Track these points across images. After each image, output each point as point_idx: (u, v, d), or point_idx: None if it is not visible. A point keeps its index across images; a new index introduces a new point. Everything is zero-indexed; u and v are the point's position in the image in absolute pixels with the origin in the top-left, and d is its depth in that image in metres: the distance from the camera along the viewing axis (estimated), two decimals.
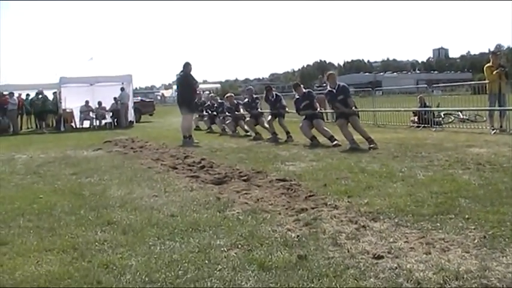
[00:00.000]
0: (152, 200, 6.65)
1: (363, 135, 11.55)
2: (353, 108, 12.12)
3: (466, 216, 4.99)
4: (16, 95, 26.47)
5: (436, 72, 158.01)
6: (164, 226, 5.19)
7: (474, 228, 4.61)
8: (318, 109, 13.38)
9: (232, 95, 19.76)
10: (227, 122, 18.29)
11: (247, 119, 16.63)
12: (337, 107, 12.21)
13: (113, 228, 5.24)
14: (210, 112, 20.67)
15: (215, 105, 20.29)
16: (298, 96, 13.62)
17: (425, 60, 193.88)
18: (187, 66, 15.47)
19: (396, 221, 4.99)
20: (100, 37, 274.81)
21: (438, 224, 4.79)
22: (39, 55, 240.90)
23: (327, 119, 15.20)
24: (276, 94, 15.56)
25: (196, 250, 4.39)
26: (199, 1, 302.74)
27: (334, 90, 12.19)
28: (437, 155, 9.47)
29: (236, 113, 17.74)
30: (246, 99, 17.19)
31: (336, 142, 11.89)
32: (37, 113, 26.80)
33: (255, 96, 17.10)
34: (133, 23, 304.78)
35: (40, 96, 26.81)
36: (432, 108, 17.36)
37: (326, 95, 12.77)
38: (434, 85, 21.88)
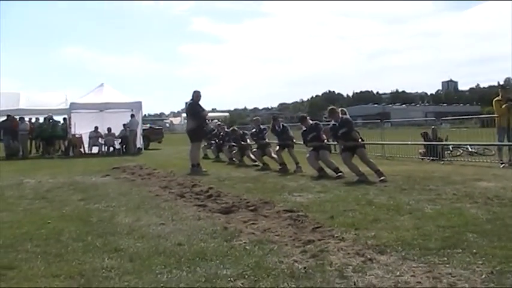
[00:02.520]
0: (159, 228, 6.65)
1: (371, 167, 11.52)
2: (359, 140, 12.11)
3: (474, 251, 4.97)
4: (27, 119, 26.72)
5: (444, 104, 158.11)
6: (171, 255, 5.18)
7: (481, 264, 4.59)
8: (325, 141, 13.38)
9: (236, 128, 19.73)
10: (233, 151, 18.34)
11: (254, 149, 16.67)
12: (340, 142, 12.27)
13: (120, 255, 5.24)
14: (216, 141, 20.77)
15: (221, 133, 20.39)
16: (305, 128, 13.67)
17: (434, 93, 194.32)
18: (196, 95, 15.58)
19: (403, 254, 4.97)
20: (110, 63, 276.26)
21: (445, 259, 4.76)
22: (50, 80, 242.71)
23: (335, 150, 15.21)
24: (282, 125, 15.63)
25: (203, 279, 4.39)
26: (208, 31, 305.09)
27: (337, 124, 12.24)
28: (445, 188, 9.44)
29: (242, 143, 17.79)
30: (254, 130, 17.23)
31: (340, 174, 11.89)
32: (46, 138, 26.90)
33: (262, 126, 17.14)
34: (144, 50, 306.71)
35: (50, 121, 26.99)
36: (442, 143, 17.33)
37: (330, 130, 12.77)
38: (443, 118, 21.87)
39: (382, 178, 10.92)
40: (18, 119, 25.96)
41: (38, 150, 27.75)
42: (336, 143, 13.12)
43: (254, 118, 19.50)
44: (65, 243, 5.89)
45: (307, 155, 13.20)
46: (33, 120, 27.81)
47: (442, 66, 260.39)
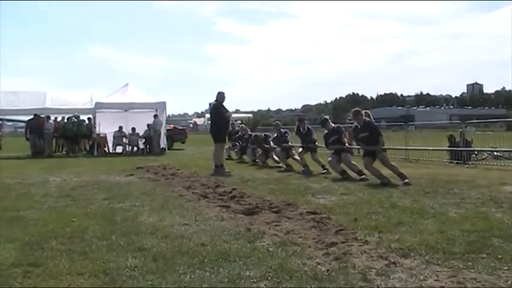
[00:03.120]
0: (183, 228, 6.68)
1: (393, 171, 11.47)
2: (380, 145, 12.02)
3: (499, 256, 4.92)
4: (52, 118, 26.98)
5: (469, 107, 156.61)
6: (194, 255, 5.20)
7: (507, 269, 4.54)
8: (346, 144, 13.34)
9: (258, 134, 19.68)
10: (257, 154, 18.31)
11: (278, 151, 16.65)
12: (360, 145, 12.27)
13: (144, 254, 5.28)
14: (240, 143, 20.77)
15: (245, 136, 20.39)
16: (326, 131, 13.65)
17: (459, 95, 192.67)
18: (220, 96, 15.62)
19: (427, 258, 4.93)
20: (136, 63, 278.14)
21: (470, 263, 4.72)
22: (75, 80, 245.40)
23: (359, 153, 15.17)
24: (307, 127, 15.60)
25: (226, 280, 4.40)
26: (233, 32, 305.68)
27: (359, 127, 12.21)
28: (469, 192, 9.37)
29: (265, 146, 17.76)
30: (275, 134, 17.21)
31: (363, 176, 11.85)
32: (71, 137, 27.12)
33: (283, 130, 17.13)
34: (169, 51, 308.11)
35: (75, 120, 27.22)
36: (467, 148, 17.15)
37: (353, 131, 12.73)
38: (468, 121, 21.68)
39: (405, 181, 10.87)
40: (44, 118, 26.25)
41: (62, 149, 27.95)
42: (358, 146, 13.05)
43: (274, 123, 19.44)
44: (89, 241, 5.94)
45: (329, 158, 13.19)
46: (59, 119, 28.08)
47: (467, 68, 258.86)
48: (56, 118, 27.72)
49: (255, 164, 18.16)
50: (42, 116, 26.32)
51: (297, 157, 15.43)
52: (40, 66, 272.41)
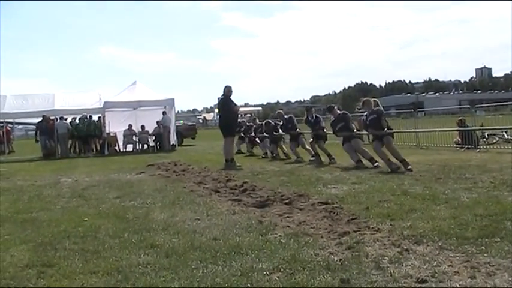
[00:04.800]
0: (195, 223, 6.68)
1: (396, 156, 11.46)
2: (385, 129, 12.06)
3: None
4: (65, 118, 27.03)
5: (479, 92, 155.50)
6: (207, 249, 5.20)
7: None
8: (354, 130, 13.37)
9: (270, 121, 19.74)
10: (269, 144, 18.31)
11: (288, 142, 16.67)
12: (369, 131, 12.31)
13: (156, 251, 5.28)
14: (250, 135, 20.81)
15: (254, 126, 20.48)
16: (333, 118, 13.70)
17: (468, 80, 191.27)
18: (227, 90, 15.60)
19: (440, 244, 4.91)
20: (143, 61, 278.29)
21: (483, 248, 4.69)
22: (84, 80, 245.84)
23: (369, 141, 15.18)
24: (315, 115, 15.62)
25: (239, 274, 4.39)
26: (239, 25, 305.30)
27: (367, 114, 12.27)
28: (481, 176, 9.33)
29: (275, 133, 17.78)
30: (281, 122, 17.33)
31: (376, 164, 11.88)
32: (81, 137, 27.17)
33: (286, 116, 17.30)
34: (175, 47, 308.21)
35: (85, 120, 27.23)
36: (476, 128, 17.04)
37: (363, 119, 12.77)
38: (478, 105, 21.52)
39: (409, 167, 10.95)
40: (58, 119, 26.40)
41: (75, 149, 27.95)
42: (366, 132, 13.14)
43: (276, 112, 19.60)
44: (102, 240, 5.95)
45: (344, 145, 13.22)
46: (69, 120, 28.08)
47: (475, 53, 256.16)
48: (66, 119, 27.70)
49: (266, 157, 18.16)
50: (52, 117, 26.40)
51: (307, 147, 15.45)
52: (48, 67, 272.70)
